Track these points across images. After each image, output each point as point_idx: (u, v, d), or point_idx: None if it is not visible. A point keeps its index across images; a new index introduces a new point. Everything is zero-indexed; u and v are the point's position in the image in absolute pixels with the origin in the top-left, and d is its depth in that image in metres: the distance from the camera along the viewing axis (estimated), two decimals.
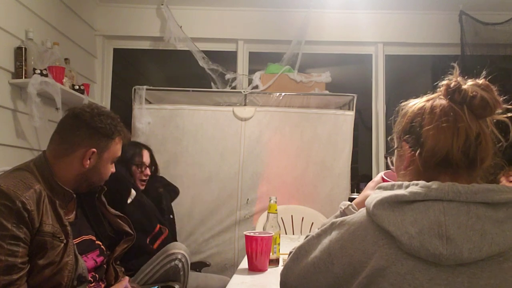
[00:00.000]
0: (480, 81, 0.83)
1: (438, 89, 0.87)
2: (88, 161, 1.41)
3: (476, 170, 0.82)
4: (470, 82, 0.83)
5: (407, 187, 0.78)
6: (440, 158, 0.81)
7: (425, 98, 0.88)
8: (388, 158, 0.97)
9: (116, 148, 1.48)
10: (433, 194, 0.75)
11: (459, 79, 0.85)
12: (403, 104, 0.91)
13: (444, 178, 0.81)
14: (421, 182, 0.77)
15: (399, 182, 0.81)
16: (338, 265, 0.81)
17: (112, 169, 1.52)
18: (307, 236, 0.93)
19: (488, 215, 0.73)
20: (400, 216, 0.75)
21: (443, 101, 0.84)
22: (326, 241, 0.85)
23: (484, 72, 0.86)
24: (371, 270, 0.75)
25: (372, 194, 0.83)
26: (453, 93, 0.83)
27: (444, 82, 0.85)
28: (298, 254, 0.91)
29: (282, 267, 0.96)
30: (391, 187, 0.81)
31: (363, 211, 0.83)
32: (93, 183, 1.47)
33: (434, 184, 0.76)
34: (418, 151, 0.84)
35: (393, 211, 0.76)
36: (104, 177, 1.49)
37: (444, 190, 0.74)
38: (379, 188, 0.84)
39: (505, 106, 0.83)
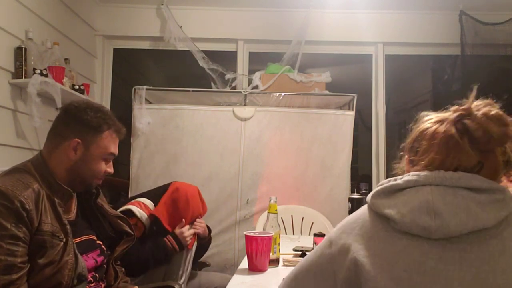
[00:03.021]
0: (493, 111, 0.85)
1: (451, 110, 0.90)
2: (73, 152, 1.38)
3: None
4: (482, 111, 0.85)
5: (401, 177, 0.87)
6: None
7: (435, 117, 0.91)
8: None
9: (106, 142, 1.43)
10: (422, 180, 0.83)
11: (474, 105, 0.86)
12: (422, 114, 0.95)
13: None
14: (413, 172, 0.86)
15: (395, 177, 0.89)
16: (335, 247, 0.88)
17: (109, 169, 1.47)
18: None
19: (472, 197, 0.80)
20: (393, 201, 0.84)
21: (448, 127, 0.86)
22: (327, 236, 0.95)
23: (501, 103, 0.88)
24: (368, 252, 0.82)
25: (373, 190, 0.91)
26: (457, 122, 0.86)
27: (454, 108, 0.89)
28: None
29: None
30: (388, 180, 0.89)
31: (364, 206, 0.91)
32: (85, 180, 1.43)
33: (423, 172, 0.85)
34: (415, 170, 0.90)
35: (388, 198, 0.85)
36: (95, 174, 1.44)
37: (432, 176, 0.83)
38: (380, 185, 0.90)
39: None
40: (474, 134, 0.83)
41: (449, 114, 0.89)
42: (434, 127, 0.89)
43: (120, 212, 1.96)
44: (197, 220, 2.09)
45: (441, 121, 0.89)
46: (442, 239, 0.78)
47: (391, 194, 0.85)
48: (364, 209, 0.90)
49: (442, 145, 0.86)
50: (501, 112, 0.86)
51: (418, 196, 0.81)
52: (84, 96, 2.65)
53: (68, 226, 1.31)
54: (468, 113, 0.86)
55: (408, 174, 0.86)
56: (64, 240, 1.28)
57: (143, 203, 2.07)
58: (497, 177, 0.86)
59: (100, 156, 1.43)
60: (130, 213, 1.98)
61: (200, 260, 2.52)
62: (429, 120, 0.91)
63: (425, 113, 0.94)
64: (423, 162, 0.88)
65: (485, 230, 0.78)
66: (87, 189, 1.48)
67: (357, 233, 0.86)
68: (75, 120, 1.41)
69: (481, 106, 0.86)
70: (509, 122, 0.85)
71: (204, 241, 2.19)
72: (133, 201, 2.09)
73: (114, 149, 1.47)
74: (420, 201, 0.80)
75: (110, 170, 1.49)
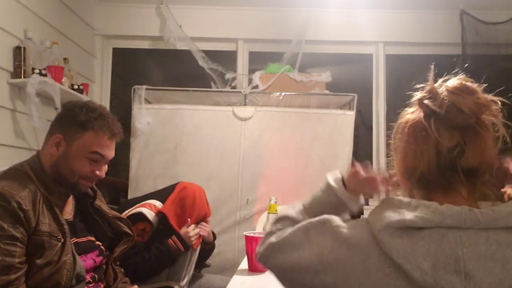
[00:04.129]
0: (454, 83, 0.75)
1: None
2: (55, 148, 1.35)
3: (472, 182, 0.75)
4: (444, 87, 0.76)
5: (416, 207, 0.71)
6: (416, 179, 0.77)
7: (411, 108, 0.83)
8: None
9: (88, 141, 1.36)
10: (448, 222, 0.67)
11: (438, 84, 0.77)
12: (406, 109, 0.86)
13: (435, 196, 0.75)
14: (433, 206, 0.70)
15: (407, 199, 0.74)
16: (331, 275, 0.73)
17: (99, 171, 1.40)
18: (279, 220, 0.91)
19: (510, 241, 0.66)
20: (410, 246, 0.67)
21: (417, 114, 0.79)
22: (317, 243, 0.77)
23: (457, 70, 0.80)
24: None
25: (378, 209, 0.76)
26: (421, 105, 0.78)
27: (418, 93, 0.80)
28: (281, 246, 0.84)
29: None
30: (399, 204, 0.73)
31: (363, 225, 0.75)
32: (64, 178, 1.36)
33: (448, 211, 0.68)
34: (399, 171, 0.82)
35: (402, 239, 0.68)
36: (75, 172, 1.36)
37: (460, 218, 0.67)
38: (385, 202, 0.76)
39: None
40: (440, 113, 0.73)
41: None
42: (407, 117, 0.81)
43: (131, 214, 1.96)
44: (203, 223, 2.09)
45: (414, 111, 0.81)
46: None
47: (404, 232, 0.69)
48: (366, 233, 0.73)
49: (411, 134, 0.77)
50: (464, 82, 0.75)
51: (443, 247, 0.66)
52: (83, 96, 2.64)
53: (65, 226, 1.31)
54: (432, 93, 0.76)
55: (425, 204, 0.71)
56: (62, 240, 1.27)
57: (153, 205, 2.07)
58: (488, 158, 0.74)
59: (82, 155, 1.36)
60: (141, 216, 1.98)
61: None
62: (406, 112, 0.83)
63: (408, 108, 0.85)
64: (400, 163, 0.79)
65: None
66: (74, 190, 1.42)
67: (357, 266, 0.70)
68: (63, 116, 1.39)
69: (445, 82, 0.77)
70: (476, 90, 0.74)
71: (208, 247, 2.18)
72: (143, 203, 2.09)
73: (101, 149, 1.38)
74: (446, 256, 0.65)
75: (100, 173, 1.40)
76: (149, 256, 1.90)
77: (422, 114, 0.77)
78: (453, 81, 0.76)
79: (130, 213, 2.03)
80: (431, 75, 0.78)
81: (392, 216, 0.71)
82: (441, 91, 0.75)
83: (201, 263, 2.28)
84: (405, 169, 0.79)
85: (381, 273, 0.68)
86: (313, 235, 0.79)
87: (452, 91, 0.74)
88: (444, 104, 0.73)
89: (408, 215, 0.70)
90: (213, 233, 2.21)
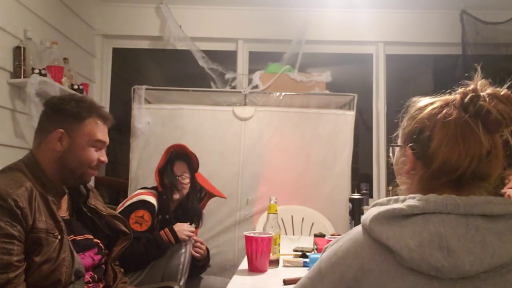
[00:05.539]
0: (502, 91, 0.77)
1: (454, 93, 0.81)
2: (59, 143, 1.37)
3: (482, 185, 0.80)
4: (489, 91, 0.77)
5: (403, 201, 0.76)
6: (449, 177, 0.78)
7: (438, 101, 0.81)
8: (391, 149, 0.93)
9: (90, 129, 1.40)
10: (431, 207, 0.73)
11: (479, 84, 0.79)
12: (414, 100, 0.86)
13: (445, 190, 0.78)
14: (418, 196, 0.75)
15: (395, 197, 0.79)
16: (328, 282, 0.78)
17: (103, 157, 1.45)
18: None
19: (488, 227, 0.71)
20: (398, 230, 0.73)
21: (458, 111, 0.78)
22: (317, 263, 0.83)
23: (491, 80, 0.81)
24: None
25: (368, 211, 0.80)
26: (467, 105, 0.77)
27: (461, 90, 0.80)
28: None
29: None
30: (387, 202, 0.78)
31: (357, 228, 0.80)
32: (75, 170, 1.39)
33: (431, 197, 0.74)
34: (425, 165, 0.81)
35: (391, 225, 0.73)
36: (83, 162, 1.40)
37: (442, 203, 0.73)
38: (375, 204, 0.80)
39: None
40: (489, 117, 0.75)
41: (454, 96, 0.80)
42: (444, 111, 0.79)
43: (130, 204, 1.99)
44: (197, 240, 2.09)
45: (447, 105, 0.79)
46: (454, 278, 0.69)
47: (393, 220, 0.74)
48: (358, 233, 0.79)
49: (459, 134, 0.76)
50: (509, 92, 0.77)
51: (428, 228, 0.71)
52: None
53: (62, 223, 1.30)
54: (475, 97, 0.77)
55: (411, 196, 0.76)
56: (59, 237, 1.27)
57: (147, 190, 2.16)
58: (501, 165, 0.78)
59: (87, 144, 1.40)
60: (139, 203, 2.02)
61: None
62: (433, 104, 0.81)
63: (418, 98, 0.85)
64: (438, 159, 0.78)
65: (501, 265, 0.69)
66: (81, 181, 1.45)
67: (351, 264, 0.75)
68: (55, 112, 1.41)
69: (484, 87, 0.78)
70: None
71: (200, 264, 2.17)
72: (137, 192, 2.14)
73: (102, 136, 1.43)
74: (431, 234, 0.70)
75: (104, 158, 1.46)
76: (138, 245, 1.90)
77: (462, 113, 0.77)
78: (497, 88, 0.78)
79: (128, 203, 2.06)
80: (477, 75, 0.80)
81: (382, 208, 0.76)
82: (483, 95, 0.77)
83: (195, 273, 2.25)
84: (444, 166, 0.78)
85: (373, 262, 0.73)
86: (324, 264, 0.82)
87: (501, 99, 0.76)
88: (494, 109, 0.75)
89: (397, 205, 0.75)
90: (207, 248, 2.21)
